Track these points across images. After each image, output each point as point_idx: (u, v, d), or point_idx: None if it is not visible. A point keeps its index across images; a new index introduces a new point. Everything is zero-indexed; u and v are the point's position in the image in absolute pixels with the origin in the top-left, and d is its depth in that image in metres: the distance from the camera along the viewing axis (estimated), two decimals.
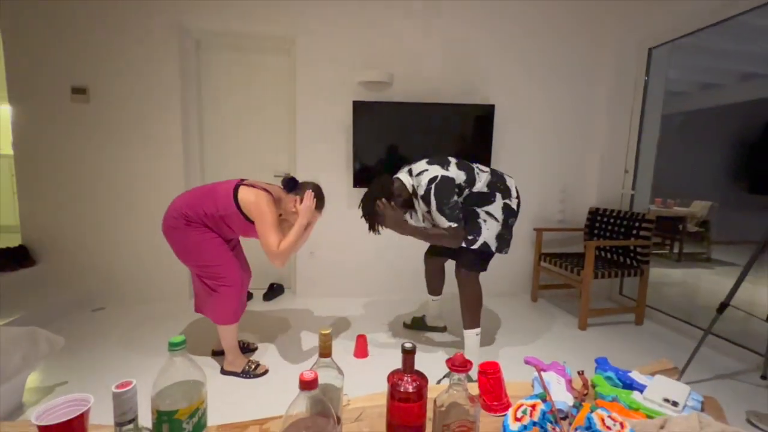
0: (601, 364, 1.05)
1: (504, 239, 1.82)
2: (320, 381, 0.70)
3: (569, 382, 0.96)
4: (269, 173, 2.94)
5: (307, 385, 0.55)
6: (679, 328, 2.46)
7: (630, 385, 0.94)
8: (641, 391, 0.90)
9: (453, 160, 1.78)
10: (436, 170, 1.70)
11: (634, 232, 2.54)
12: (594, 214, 2.90)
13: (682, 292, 3.47)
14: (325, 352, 0.70)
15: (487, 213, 1.78)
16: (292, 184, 1.79)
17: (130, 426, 0.55)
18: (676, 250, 4.42)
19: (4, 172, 3.85)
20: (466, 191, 1.75)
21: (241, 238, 1.96)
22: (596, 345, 2.24)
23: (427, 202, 1.68)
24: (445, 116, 2.75)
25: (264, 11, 2.64)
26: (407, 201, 1.81)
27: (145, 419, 0.61)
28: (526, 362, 1.08)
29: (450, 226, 1.65)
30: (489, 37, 2.86)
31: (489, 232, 1.76)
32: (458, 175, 1.72)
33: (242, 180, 1.78)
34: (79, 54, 2.49)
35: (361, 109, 2.67)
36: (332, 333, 2.28)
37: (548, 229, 2.95)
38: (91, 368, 1.85)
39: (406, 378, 0.72)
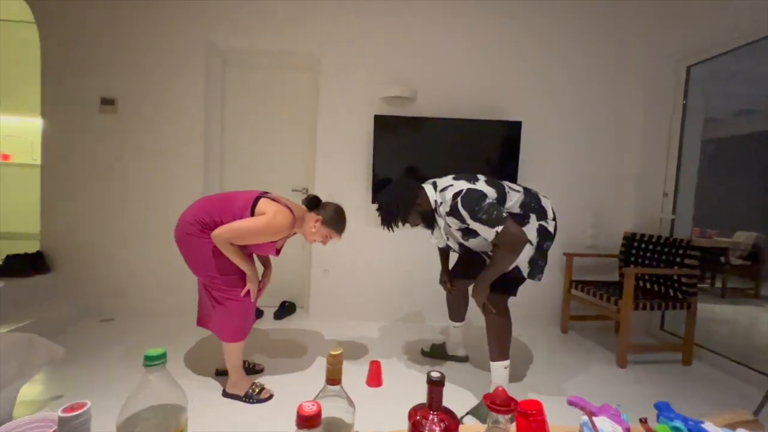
0: (664, 410, 0.87)
1: (537, 265, 1.66)
2: (327, 414, 0.57)
3: (627, 431, 0.79)
4: (287, 187, 2.90)
5: (306, 421, 0.43)
6: (733, 371, 2.18)
7: None
8: None
9: (482, 177, 1.65)
10: (461, 185, 1.59)
11: (678, 260, 2.32)
12: (630, 239, 2.69)
13: (732, 330, 3.13)
14: (333, 378, 0.58)
15: None
16: (314, 203, 1.74)
17: None
18: (718, 284, 4.06)
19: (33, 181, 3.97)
20: None
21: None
22: (640, 386, 1.99)
23: (458, 217, 1.55)
24: (469, 132, 2.65)
25: (291, 30, 2.67)
26: (425, 213, 1.70)
27: None
28: (570, 403, 0.91)
29: (497, 231, 1.47)
30: (515, 53, 2.80)
31: (521, 254, 1.62)
32: (489, 192, 1.58)
33: (265, 192, 1.72)
34: (111, 67, 2.58)
35: (382, 123, 2.61)
36: (344, 357, 2.13)
37: (580, 254, 2.73)
38: (90, 382, 1.76)
39: (431, 417, 0.58)
